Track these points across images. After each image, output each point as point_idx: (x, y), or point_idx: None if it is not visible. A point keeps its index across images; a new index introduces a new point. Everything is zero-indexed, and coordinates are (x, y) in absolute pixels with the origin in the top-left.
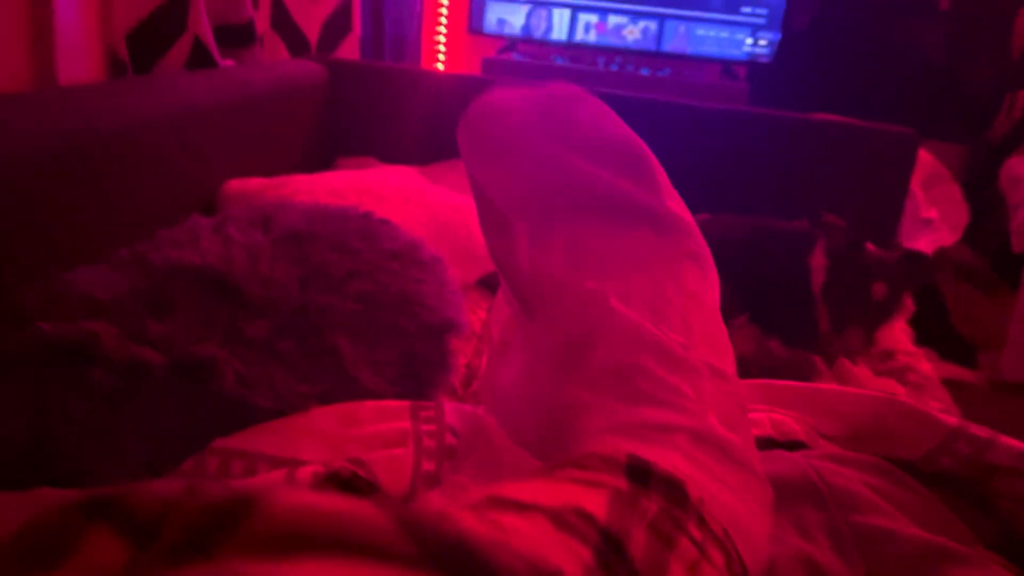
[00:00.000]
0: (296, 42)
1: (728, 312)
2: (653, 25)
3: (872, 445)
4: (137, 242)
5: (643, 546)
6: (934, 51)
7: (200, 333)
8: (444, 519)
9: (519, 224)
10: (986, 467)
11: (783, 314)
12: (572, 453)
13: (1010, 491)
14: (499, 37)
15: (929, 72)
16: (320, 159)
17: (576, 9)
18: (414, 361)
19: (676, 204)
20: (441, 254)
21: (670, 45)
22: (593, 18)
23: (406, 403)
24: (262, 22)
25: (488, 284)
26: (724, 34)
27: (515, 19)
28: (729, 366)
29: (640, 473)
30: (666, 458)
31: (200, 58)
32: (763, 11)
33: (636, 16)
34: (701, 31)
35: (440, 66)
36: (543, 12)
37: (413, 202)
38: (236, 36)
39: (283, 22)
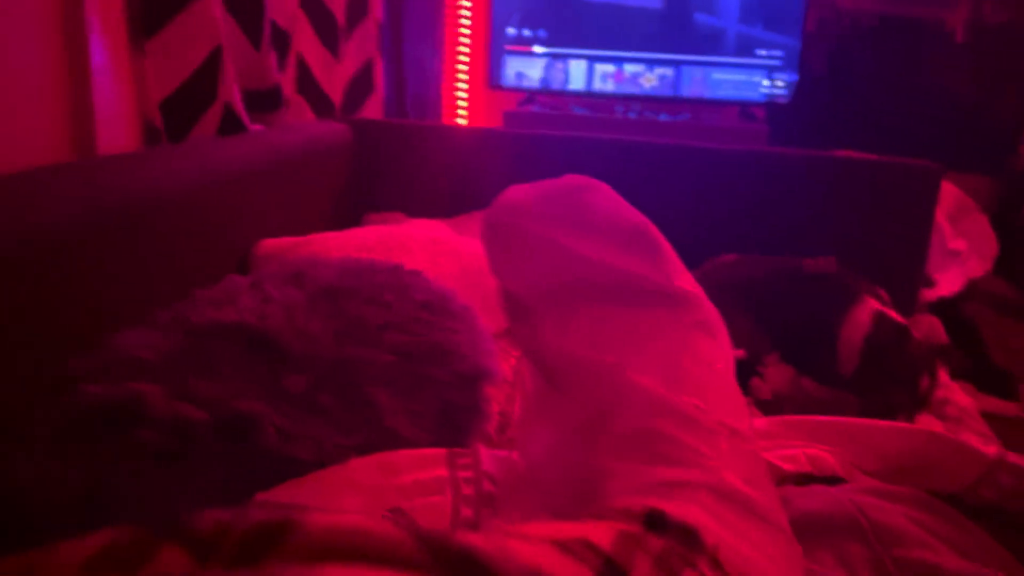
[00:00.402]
0: (321, 104)
1: (759, 350)
2: (670, 72)
3: (913, 479)
4: (176, 303)
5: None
6: (956, 83)
7: (241, 389)
8: (454, 535)
9: (542, 313)
10: None
11: (809, 356)
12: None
13: None
14: (518, 90)
15: (952, 104)
16: (348, 216)
17: (592, 60)
18: (449, 409)
19: (684, 278)
20: (471, 303)
21: (687, 90)
22: (610, 68)
23: (443, 451)
24: (288, 86)
25: None
26: (741, 77)
27: (533, 72)
28: (745, 426)
29: (655, 521)
30: (685, 510)
31: (231, 123)
32: (778, 53)
33: (652, 64)
34: (717, 75)
35: (462, 121)
36: (560, 64)
37: (442, 253)
38: (264, 101)
39: (308, 85)
